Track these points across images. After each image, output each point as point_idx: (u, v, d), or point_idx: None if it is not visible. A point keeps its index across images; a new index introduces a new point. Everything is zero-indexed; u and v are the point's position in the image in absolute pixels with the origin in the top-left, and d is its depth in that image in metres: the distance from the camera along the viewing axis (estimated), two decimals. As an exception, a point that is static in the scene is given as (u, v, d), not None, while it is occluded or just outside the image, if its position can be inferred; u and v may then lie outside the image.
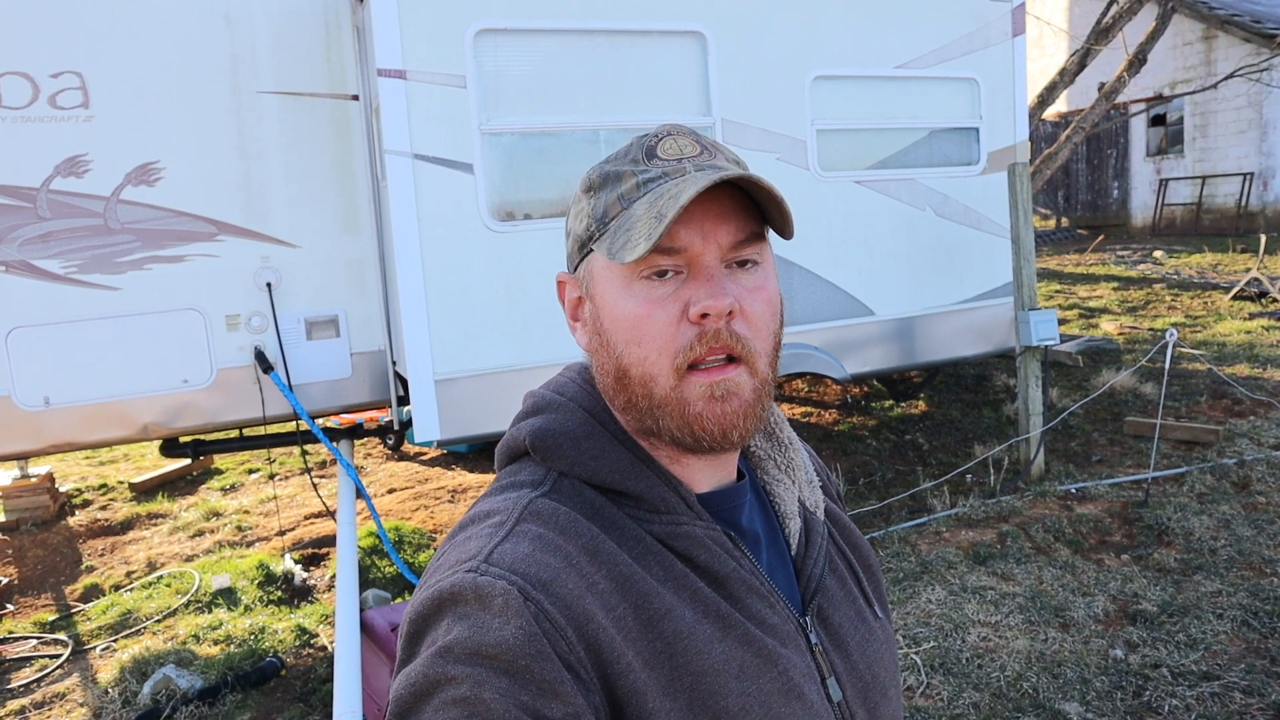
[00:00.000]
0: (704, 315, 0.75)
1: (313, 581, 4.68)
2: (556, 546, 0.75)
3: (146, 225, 4.06)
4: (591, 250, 0.81)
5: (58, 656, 3.93)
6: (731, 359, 0.77)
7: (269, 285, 4.25)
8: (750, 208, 0.79)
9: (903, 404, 6.85)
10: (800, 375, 6.94)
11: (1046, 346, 5.26)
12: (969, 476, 5.29)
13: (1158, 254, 13.36)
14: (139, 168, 4.04)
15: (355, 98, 4.38)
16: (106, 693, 3.57)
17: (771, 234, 0.84)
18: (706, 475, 0.84)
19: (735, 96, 4.72)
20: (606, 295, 0.80)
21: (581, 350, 0.87)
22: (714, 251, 0.77)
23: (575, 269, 0.85)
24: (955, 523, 4.63)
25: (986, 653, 3.34)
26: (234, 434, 4.69)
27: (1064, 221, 18.17)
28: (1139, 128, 17.05)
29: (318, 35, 4.31)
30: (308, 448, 5.67)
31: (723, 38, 4.65)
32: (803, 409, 7.10)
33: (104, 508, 6.06)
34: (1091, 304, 9.80)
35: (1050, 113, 15.93)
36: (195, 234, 4.15)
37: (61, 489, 6.22)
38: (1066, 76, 9.58)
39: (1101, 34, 9.41)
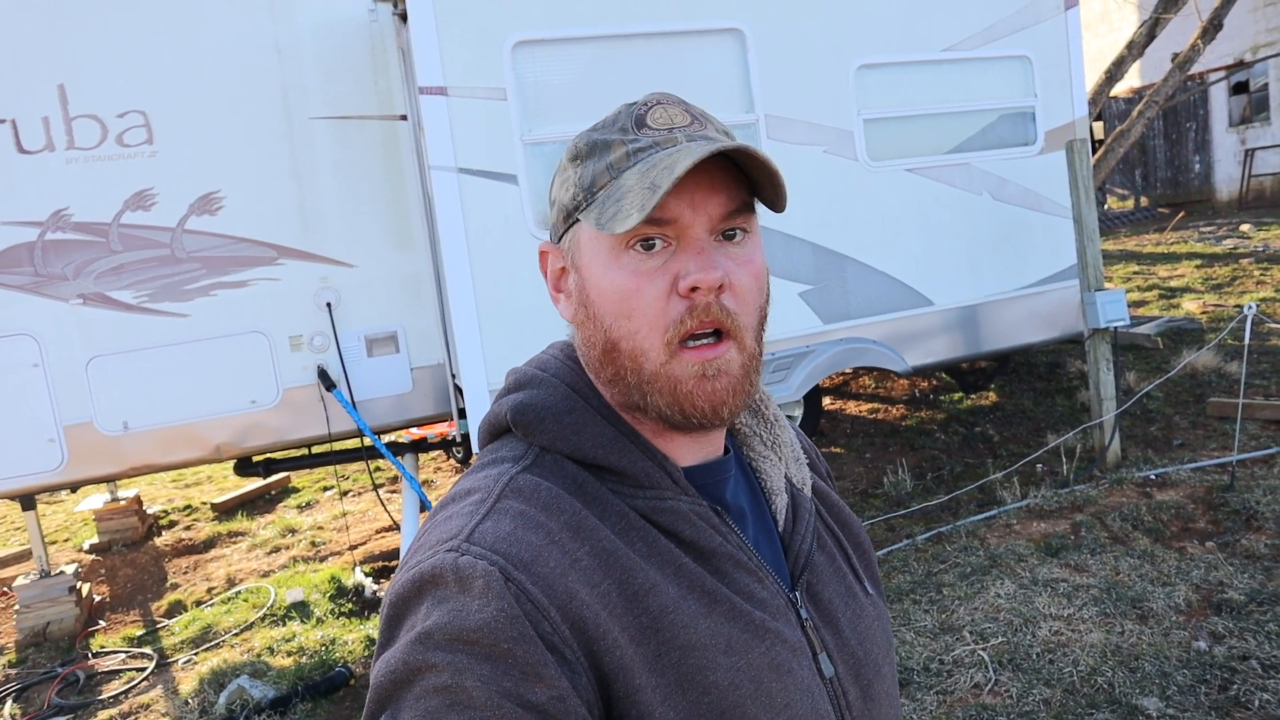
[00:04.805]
0: (693, 288, 0.74)
1: (382, 594, 4.78)
2: (538, 524, 0.74)
3: (210, 253, 4.22)
4: (578, 220, 0.79)
5: (144, 669, 4.11)
6: (719, 334, 0.76)
7: (329, 305, 4.37)
8: (741, 179, 0.78)
9: (972, 395, 6.66)
10: (864, 371, 6.84)
11: (1117, 328, 5.05)
12: (1040, 467, 5.11)
13: (1245, 228, 12.71)
14: (201, 198, 4.21)
15: (404, 118, 4.48)
16: (186, 703, 3.71)
17: (772, 213, 0.82)
18: (691, 450, 0.83)
19: (777, 91, 4.67)
20: (593, 266, 0.78)
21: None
22: (704, 223, 0.75)
23: (560, 239, 0.83)
24: (1026, 514, 4.47)
25: (1058, 647, 3.21)
26: (303, 452, 4.83)
27: (1143, 200, 17.44)
28: (1219, 97, 16.28)
29: (365, 59, 4.42)
30: (377, 463, 5.81)
31: (761, 33, 4.61)
32: (869, 405, 6.97)
33: (188, 528, 6.31)
34: (1172, 283, 9.37)
35: (1122, 88, 15.35)
36: (257, 259, 4.30)
37: (149, 511, 6.49)
38: (1135, 49, 9.21)
39: (1170, 2, 9.02)
